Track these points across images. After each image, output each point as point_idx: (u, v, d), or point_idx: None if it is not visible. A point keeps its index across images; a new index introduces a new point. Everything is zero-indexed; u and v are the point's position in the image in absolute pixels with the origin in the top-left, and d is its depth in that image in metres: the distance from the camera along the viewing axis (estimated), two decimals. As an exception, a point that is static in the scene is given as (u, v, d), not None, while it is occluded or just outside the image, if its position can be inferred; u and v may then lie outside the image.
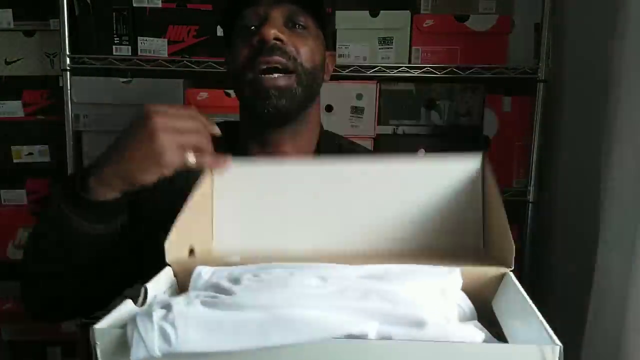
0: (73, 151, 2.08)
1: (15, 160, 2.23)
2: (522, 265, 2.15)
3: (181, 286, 0.81)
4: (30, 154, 2.23)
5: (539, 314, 0.69)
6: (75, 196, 1.02)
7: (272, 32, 1.13)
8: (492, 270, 0.80)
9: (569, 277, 1.98)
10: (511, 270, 0.79)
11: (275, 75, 1.15)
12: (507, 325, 0.75)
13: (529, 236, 2.12)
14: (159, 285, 0.77)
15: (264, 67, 1.14)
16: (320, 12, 1.21)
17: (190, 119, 1.02)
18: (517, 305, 0.75)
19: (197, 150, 1.00)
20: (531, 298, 0.67)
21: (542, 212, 2.14)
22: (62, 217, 1.03)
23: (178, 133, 0.98)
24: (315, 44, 1.21)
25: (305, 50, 1.18)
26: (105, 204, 1.02)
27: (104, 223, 1.05)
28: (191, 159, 0.99)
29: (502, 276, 0.80)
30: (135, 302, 0.69)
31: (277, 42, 1.14)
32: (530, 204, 2.11)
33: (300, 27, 1.18)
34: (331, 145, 1.37)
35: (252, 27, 1.17)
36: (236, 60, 1.19)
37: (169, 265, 0.82)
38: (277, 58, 1.14)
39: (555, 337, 0.63)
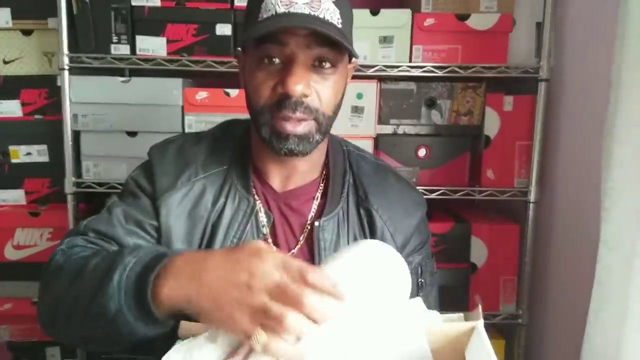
0: (72, 151, 2.08)
1: (13, 160, 2.22)
2: (522, 265, 2.15)
3: None
4: (29, 153, 2.22)
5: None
6: (140, 298, 0.94)
7: (298, 89, 1.10)
8: (464, 325, 0.95)
9: (569, 277, 1.98)
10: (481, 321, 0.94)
11: (295, 123, 1.15)
12: None
13: (530, 236, 2.12)
14: None
15: (285, 119, 1.14)
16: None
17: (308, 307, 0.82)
18: (480, 354, 0.87)
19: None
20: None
21: (543, 211, 2.14)
22: (120, 315, 0.95)
23: (277, 320, 0.81)
24: (339, 82, 1.19)
25: (328, 95, 1.17)
26: (166, 317, 0.95)
27: (161, 329, 0.98)
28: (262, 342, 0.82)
29: (473, 328, 0.93)
30: None
31: (301, 97, 1.13)
32: (531, 204, 2.11)
33: (327, 66, 1.15)
34: (338, 153, 1.38)
35: (277, 61, 1.13)
36: (255, 94, 1.16)
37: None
38: (299, 114, 1.13)
39: None
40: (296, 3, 1.09)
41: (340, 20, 1.13)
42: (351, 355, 0.85)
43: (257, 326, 0.82)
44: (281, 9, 1.09)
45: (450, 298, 2.06)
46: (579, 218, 1.91)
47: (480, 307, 0.96)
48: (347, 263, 0.90)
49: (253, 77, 1.16)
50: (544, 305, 2.15)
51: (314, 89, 1.14)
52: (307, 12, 1.09)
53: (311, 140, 1.18)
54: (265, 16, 1.10)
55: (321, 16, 1.10)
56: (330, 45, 1.11)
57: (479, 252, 2.17)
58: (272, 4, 1.09)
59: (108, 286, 0.96)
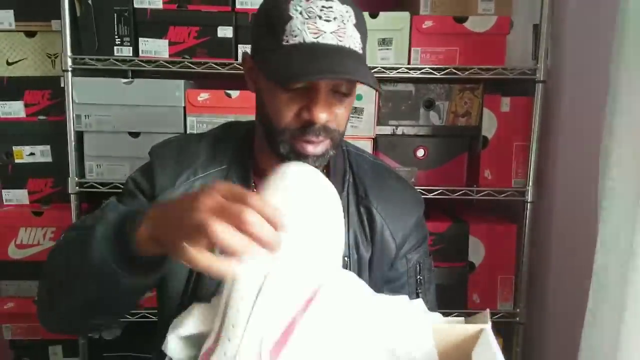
0: (75, 151, 2.09)
1: (17, 161, 2.24)
2: (519, 264, 2.16)
3: None
4: (32, 154, 2.24)
5: None
6: (121, 245, 0.95)
7: (323, 117, 1.13)
8: (472, 327, 0.95)
9: (567, 277, 1.99)
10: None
11: (315, 145, 1.17)
12: None
13: (527, 236, 2.13)
14: None
15: (307, 142, 1.16)
16: None
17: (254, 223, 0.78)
18: (488, 358, 0.88)
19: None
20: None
21: (540, 212, 2.15)
22: (106, 265, 0.95)
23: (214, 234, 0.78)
24: (352, 103, 1.23)
25: (343, 117, 1.20)
26: (147, 259, 0.94)
27: (144, 277, 0.98)
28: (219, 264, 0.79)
29: (481, 331, 0.94)
30: None
31: (325, 123, 1.15)
32: (528, 204, 2.12)
33: (345, 93, 1.17)
34: (339, 153, 1.39)
35: (299, 85, 1.14)
36: (276, 115, 1.17)
37: None
38: (322, 138, 1.17)
39: None
40: (324, 32, 1.10)
41: (360, 46, 1.16)
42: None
43: (195, 245, 0.79)
44: (309, 38, 1.09)
45: (448, 296, 2.09)
46: (576, 218, 1.93)
47: (487, 311, 0.97)
48: (277, 192, 0.90)
49: (274, 96, 1.16)
50: (542, 304, 2.17)
51: (333, 111, 1.17)
52: (335, 43, 1.11)
53: (326, 156, 1.21)
54: (291, 42, 1.10)
55: (347, 45, 1.12)
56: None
57: (476, 251, 2.19)
58: (298, 28, 1.10)
59: (92, 240, 0.96)
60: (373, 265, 1.33)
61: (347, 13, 1.13)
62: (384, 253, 1.33)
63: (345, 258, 1.30)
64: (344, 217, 1.31)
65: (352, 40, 1.13)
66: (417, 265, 1.39)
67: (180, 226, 0.81)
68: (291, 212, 0.85)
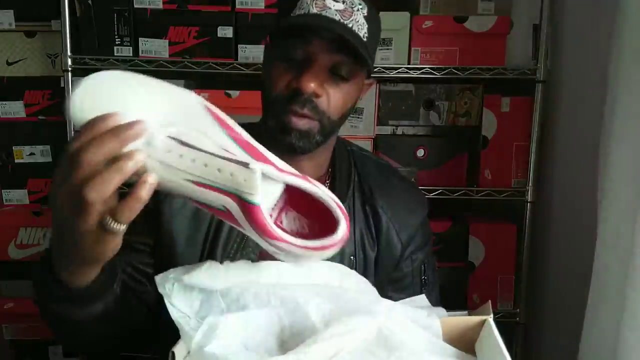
0: (75, 151, 2.08)
1: (17, 161, 2.24)
2: (519, 264, 2.16)
3: None
4: (32, 154, 2.24)
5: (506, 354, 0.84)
6: (54, 287, 0.91)
7: (310, 87, 1.12)
8: (475, 319, 0.97)
9: (567, 277, 1.99)
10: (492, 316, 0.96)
11: (300, 118, 1.16)
12: None
13: (527, 236, 2.13)
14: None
15: (292, 112, 1.15)
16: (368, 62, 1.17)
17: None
18: (491, 348, 0.89)
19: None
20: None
21: (540, 211, 2.15)
22: (50, 309, 0.95)
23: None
24: (351, 93, 1.21)
25: (337, 104, 1.18)
26: (84, 290, 0.91)
27: (94, 304, 0.96)
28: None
29: (484, 322, 0.95)
30: None
31: (312, 96, 1.14)
32: (528, 204, 2.12)
33: (343, 75, 1.16)
34: (343, 153, 1.39)
35: (298, 57, 1.15)
36: (271, 82, 1.18)
37: None
38: (306, 111, 1.15)
39: None
40: (329, 8, 1.12)
41: (366, 35, 1.15)
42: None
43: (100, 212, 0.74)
44: (314, 10, 1.12)
45: (448, 297, 2.08)
46: (576, 218, 1.92)
47: (489, 302, 0.98)
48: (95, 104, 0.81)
49: (273, 66, 1.18)
50: (542, 303, 2.16)
51: (326, 91, 1.16)
52: (338, 19, 1.12)
53: (312, 139, 1.19)
54: (297, 13, 1.13)
55: (349, 26, 1.13)
56: (350, 55, 1.14)
57: (476, 251, 2.19)
58: (307, 3, 1.13)
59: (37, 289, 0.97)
60: (378, 265, 1.33)
61: (359, 5, 1.15)
62: (390, 252, 1.33)
63: (351, 257, 1.29)
64: (351, 217, 1.31)
65: (357, 25, 1.14)
66: (422, 266, 1.39)
67: (77, 223, 0.75)
68: (116, 99, 0.80)
